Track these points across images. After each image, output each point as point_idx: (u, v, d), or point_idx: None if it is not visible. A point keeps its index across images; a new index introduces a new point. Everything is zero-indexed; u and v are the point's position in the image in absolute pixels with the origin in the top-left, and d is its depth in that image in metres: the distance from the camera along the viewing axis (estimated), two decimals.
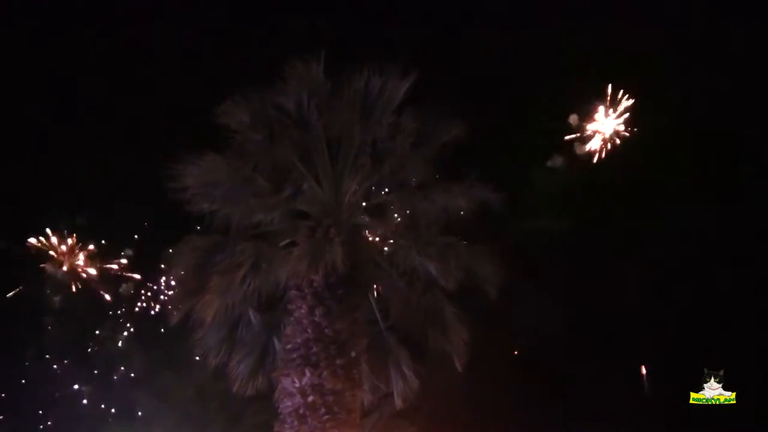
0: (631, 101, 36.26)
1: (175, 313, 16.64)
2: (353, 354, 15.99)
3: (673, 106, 34.28)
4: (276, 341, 16.91)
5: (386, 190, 16.55)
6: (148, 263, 35.70)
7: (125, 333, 36.75)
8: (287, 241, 16.61)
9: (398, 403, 16.70)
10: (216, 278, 15.94)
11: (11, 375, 35.35)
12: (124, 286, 38.02)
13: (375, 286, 16.87)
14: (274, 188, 16.23)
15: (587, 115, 36.91)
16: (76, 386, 36.37)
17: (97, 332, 37.93)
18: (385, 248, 16.83)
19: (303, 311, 16.05)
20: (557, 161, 37.37)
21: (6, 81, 34.38)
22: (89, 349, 37.04)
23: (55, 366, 37.21)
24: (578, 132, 36.97)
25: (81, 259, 38.18)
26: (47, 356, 37.01)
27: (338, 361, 15.80)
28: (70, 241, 38.01)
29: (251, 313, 16.93)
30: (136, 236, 38.76)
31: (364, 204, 16.56)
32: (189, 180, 15.98)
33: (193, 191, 16.05)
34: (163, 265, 16.78)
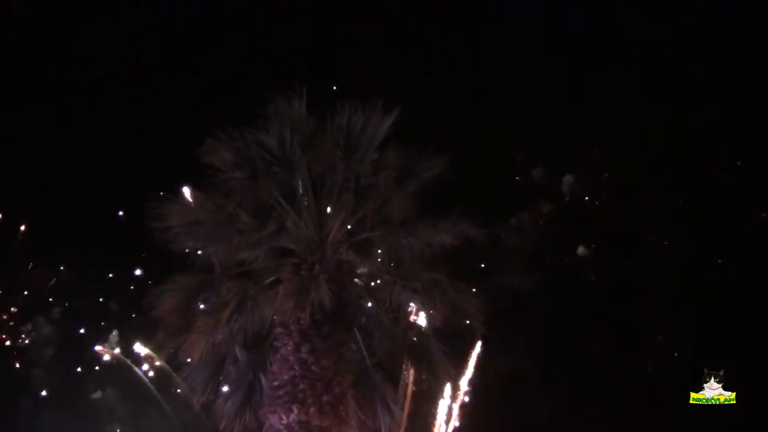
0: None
1: (161, 352, 16.62)
2: (339, 390, 15.99)
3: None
4: (262, 378, 16.79)
5: (370, 226, 16.58)
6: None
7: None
8: (272, 278, 16.63)
9: None
10: (202, 317, 15.95)
11: None
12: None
13: (360, 322, 16.91)
14: (258, 226, 16.20)
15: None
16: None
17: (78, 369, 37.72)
18: (370, 285, 16.88)
19: (289, 348, 16.05)
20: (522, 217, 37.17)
21: None
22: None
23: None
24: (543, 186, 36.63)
25: None
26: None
27: (325, 398, 15.80)
28: None
29: (237, 351, 16.86)
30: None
31: (348, 240, 16.57)
32: (172, 219, 16.00)
33: (176, 230, 16.07)
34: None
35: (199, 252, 16.41)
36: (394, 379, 16.66)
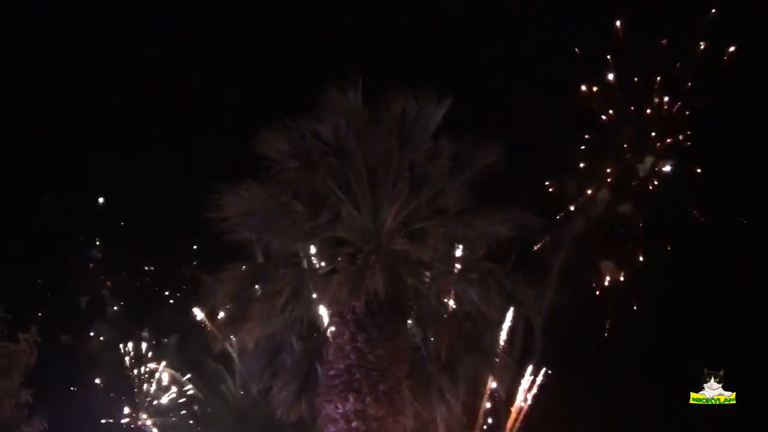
0: None
1: (218, 340, 16.85)
2: (395, 380, 15.96)
3: None
4: (318, 367, 16.85)
5: (425, 215, 16.50)
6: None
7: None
8: (328, 268, 16.67)
9: (441, 429, 16.65)
10: (257, 305, 16.12)
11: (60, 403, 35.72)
12: None
13: (415, 312, 16.87)
14: (312, 215, 16.27)
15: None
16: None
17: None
18: (426, 275, 16.83)
19: (345, 338, 16.08)
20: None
21: None
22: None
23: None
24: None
25: None
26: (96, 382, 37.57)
27: (381, 387, 15.78)
28: None
29: (293, 341, 16.93)
30: None
31: (403, 230, 16.50)
32: (229, 209, 16.14)
33: (233, 220, 16.21)
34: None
35: (255, 242, 16.53)
36: (451, 369, 16.56)
